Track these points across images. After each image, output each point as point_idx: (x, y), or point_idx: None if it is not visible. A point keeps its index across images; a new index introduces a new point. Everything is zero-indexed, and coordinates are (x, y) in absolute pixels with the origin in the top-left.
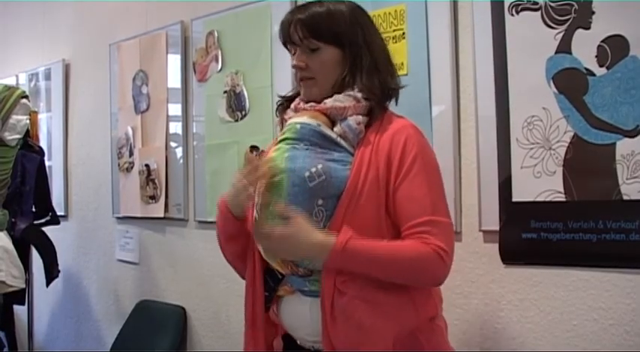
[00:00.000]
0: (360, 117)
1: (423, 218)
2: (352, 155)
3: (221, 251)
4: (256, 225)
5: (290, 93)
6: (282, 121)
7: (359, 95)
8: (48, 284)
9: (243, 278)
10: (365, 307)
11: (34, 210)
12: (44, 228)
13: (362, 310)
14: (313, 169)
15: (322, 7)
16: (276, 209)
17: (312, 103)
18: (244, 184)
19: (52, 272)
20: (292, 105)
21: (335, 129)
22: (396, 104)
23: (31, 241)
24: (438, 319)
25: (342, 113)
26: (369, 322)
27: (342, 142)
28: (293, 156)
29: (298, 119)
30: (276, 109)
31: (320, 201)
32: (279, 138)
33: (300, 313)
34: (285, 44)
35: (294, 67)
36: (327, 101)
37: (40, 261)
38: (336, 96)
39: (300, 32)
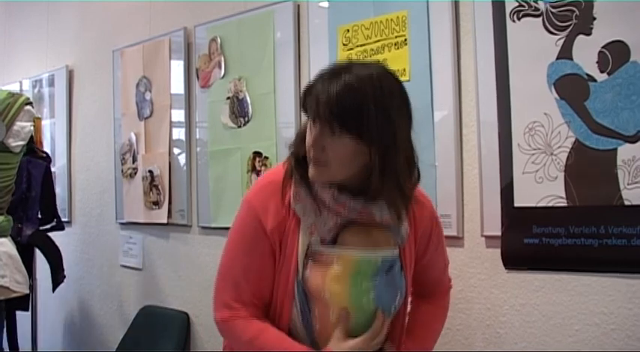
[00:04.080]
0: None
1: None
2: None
3: None
4: None
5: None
6: (305, 185)
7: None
8: (54, 289)
9: None
10: None
11: (39, 216)
12: (49, 234)
13: None
14: (395, 302)
15: (351, 94)
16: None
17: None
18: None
19: (58, 277)
20: (329, 201)
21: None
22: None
23: (37, 246)
24: None
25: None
26: None
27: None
28: (379, 295)
29: (378, 253)
30: (293, 167)
31: None
32: (349, 271)
33: None
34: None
35: (309, 144)
36: (378, 215)
37: (44, 266)
38: (385, 210)
39: (327, 114)
